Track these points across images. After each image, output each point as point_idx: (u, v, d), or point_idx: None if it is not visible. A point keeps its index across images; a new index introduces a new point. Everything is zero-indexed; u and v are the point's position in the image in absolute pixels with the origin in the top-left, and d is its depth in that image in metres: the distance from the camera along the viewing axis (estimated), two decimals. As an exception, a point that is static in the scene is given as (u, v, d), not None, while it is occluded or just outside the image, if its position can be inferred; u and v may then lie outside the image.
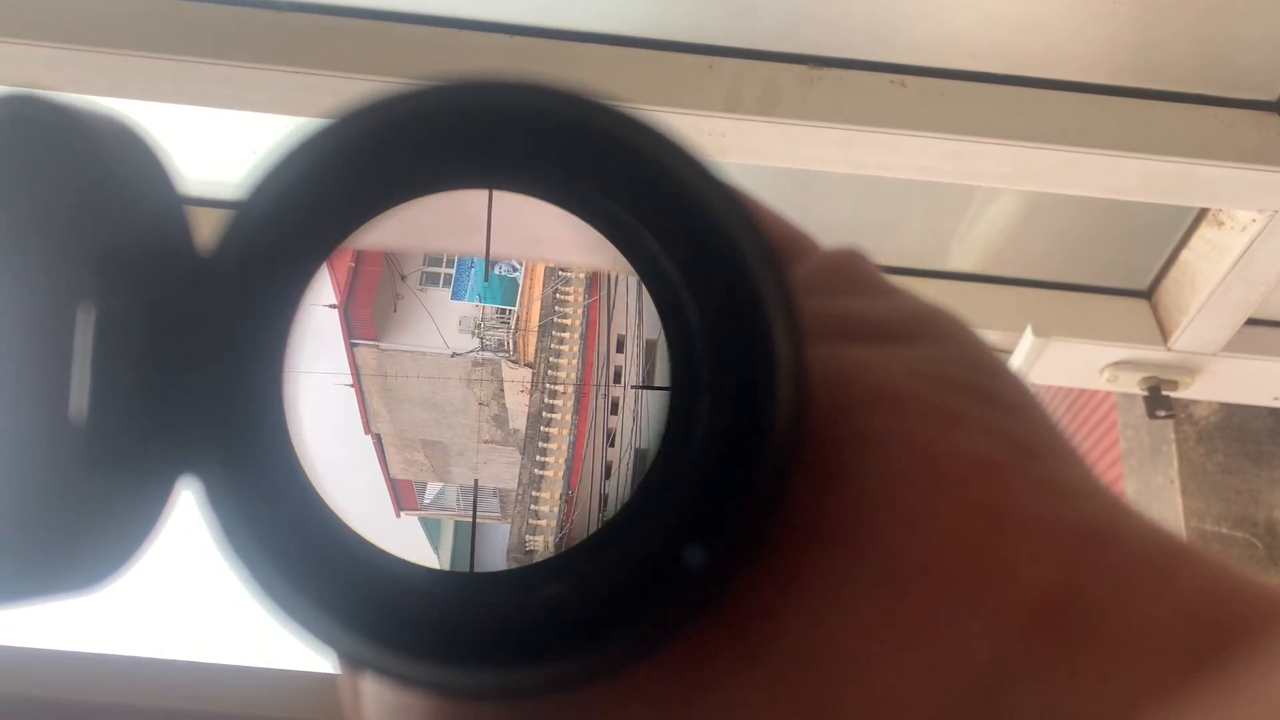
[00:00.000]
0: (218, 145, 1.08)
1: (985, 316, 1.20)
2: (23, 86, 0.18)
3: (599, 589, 0.19)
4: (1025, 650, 0.16)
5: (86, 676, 0.63)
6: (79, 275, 0.18)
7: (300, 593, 0.18)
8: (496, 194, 0.21)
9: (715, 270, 0.19)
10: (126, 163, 0.19)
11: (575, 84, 0.18)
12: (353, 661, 0.18)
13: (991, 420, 0.20)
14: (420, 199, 0.20)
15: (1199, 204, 1.10)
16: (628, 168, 0.19)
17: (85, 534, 0.18)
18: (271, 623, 0.18)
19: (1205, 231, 1.13)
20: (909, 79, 1.00)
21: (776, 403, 0.18)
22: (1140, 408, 1.24)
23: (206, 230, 0.19)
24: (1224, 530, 1.58)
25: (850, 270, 0.24)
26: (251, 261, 0.18)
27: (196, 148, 1.09)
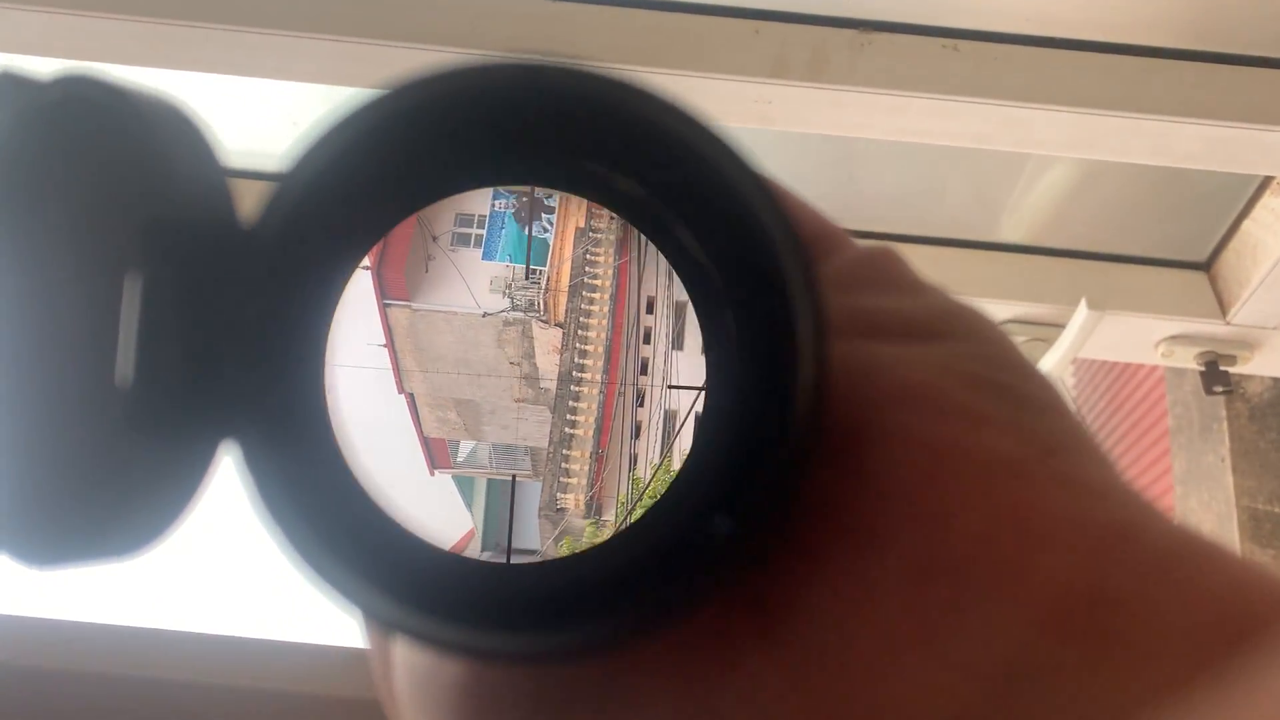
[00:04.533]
0: (259, 116, 1.10)
1: (1037, 289, 1.18)
2: (73, 61, 0.19)
3: (625, 558, 0.19)
4: (1045, 648, 0.16)
5: (108, 648, 0.65)
6: (126, 246, 0.19)
7: (334, 555, 0.18)
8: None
9: (744, 259, 0.19)
10: (173, 139, 0.20)
11: (614, 71, 0.18)
12: (384, 624, 0.18)
13: (1016, 418, 0.20)
14: (463, 192, 0.20)
15: (1263, 172, 1.07)
16: (662, 157, 0.19)
17: (128, 498, 0.19)
18: (303, 587, 0.18)
19: (1269, 201, 1.09)
20: (962, 43, 0.98)
21: (797, 387, 0.18)
22: (1190, 383, 1.22)
23: (250, 202, 0.19)
24: (1277, 510, 1.53)
25: (881, 267, 0.24)
26: (293, 234, 0.19)
27: (238, 118, 1.11)
